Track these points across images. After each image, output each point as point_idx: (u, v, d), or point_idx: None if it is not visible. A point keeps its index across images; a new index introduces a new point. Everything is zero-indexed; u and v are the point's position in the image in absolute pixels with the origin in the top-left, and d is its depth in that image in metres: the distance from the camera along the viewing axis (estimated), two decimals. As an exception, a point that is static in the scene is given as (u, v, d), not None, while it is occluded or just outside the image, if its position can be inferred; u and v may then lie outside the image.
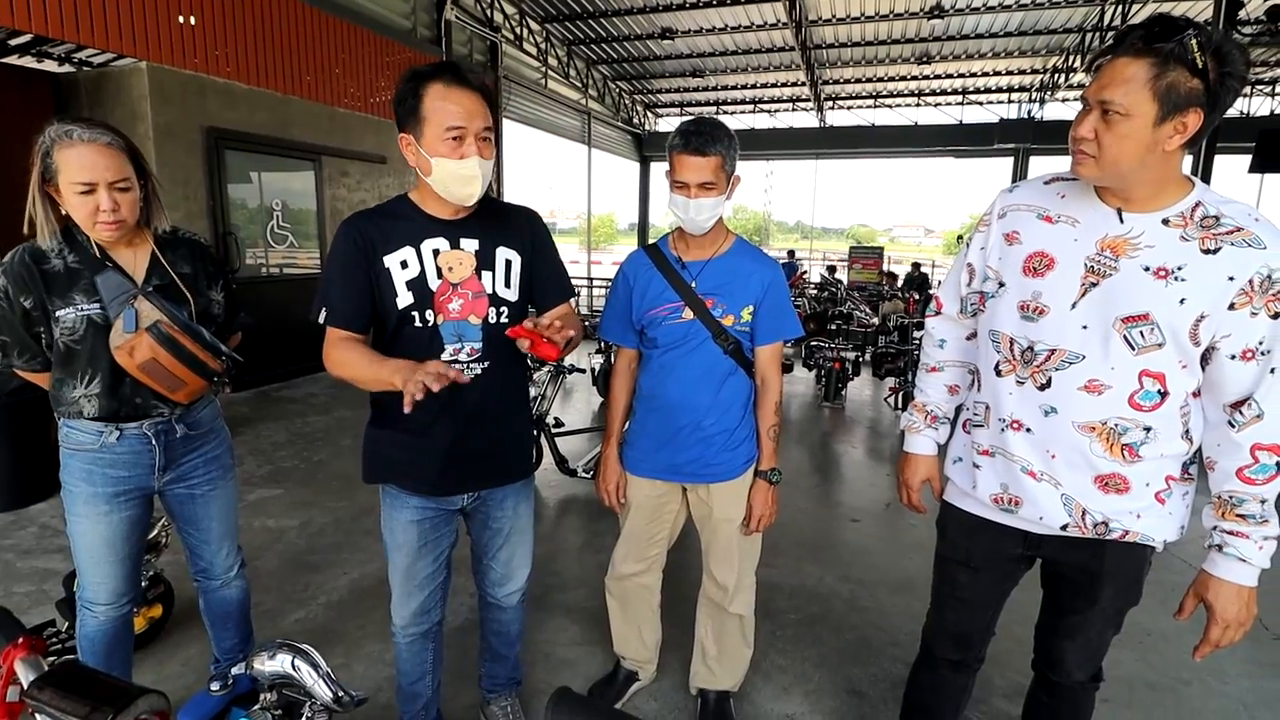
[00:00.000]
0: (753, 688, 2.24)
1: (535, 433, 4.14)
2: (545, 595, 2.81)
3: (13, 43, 5.96)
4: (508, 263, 1.60)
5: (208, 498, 1.85)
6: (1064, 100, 15.26)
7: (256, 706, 1.25)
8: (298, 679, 1.24)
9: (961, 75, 15.24)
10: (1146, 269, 1.17)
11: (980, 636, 1.58)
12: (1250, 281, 1.12)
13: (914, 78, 15.45)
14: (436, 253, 1.53)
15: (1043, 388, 1.28)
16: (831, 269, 14.96)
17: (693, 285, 1.81)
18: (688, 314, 1.80)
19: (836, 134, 17.79)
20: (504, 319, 1.59)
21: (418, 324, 1.52)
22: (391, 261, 1.51)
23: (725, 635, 2.05)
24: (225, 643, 2.03)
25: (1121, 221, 1.21)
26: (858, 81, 15.96)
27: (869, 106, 17.60)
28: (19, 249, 1.58)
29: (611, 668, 2.24)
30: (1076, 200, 1.27)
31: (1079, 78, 13.30)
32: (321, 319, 1.53)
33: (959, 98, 16.48)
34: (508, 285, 1.60)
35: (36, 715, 0.72)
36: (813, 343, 6.64)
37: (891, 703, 2.21)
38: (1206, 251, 1.14)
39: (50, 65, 6.42)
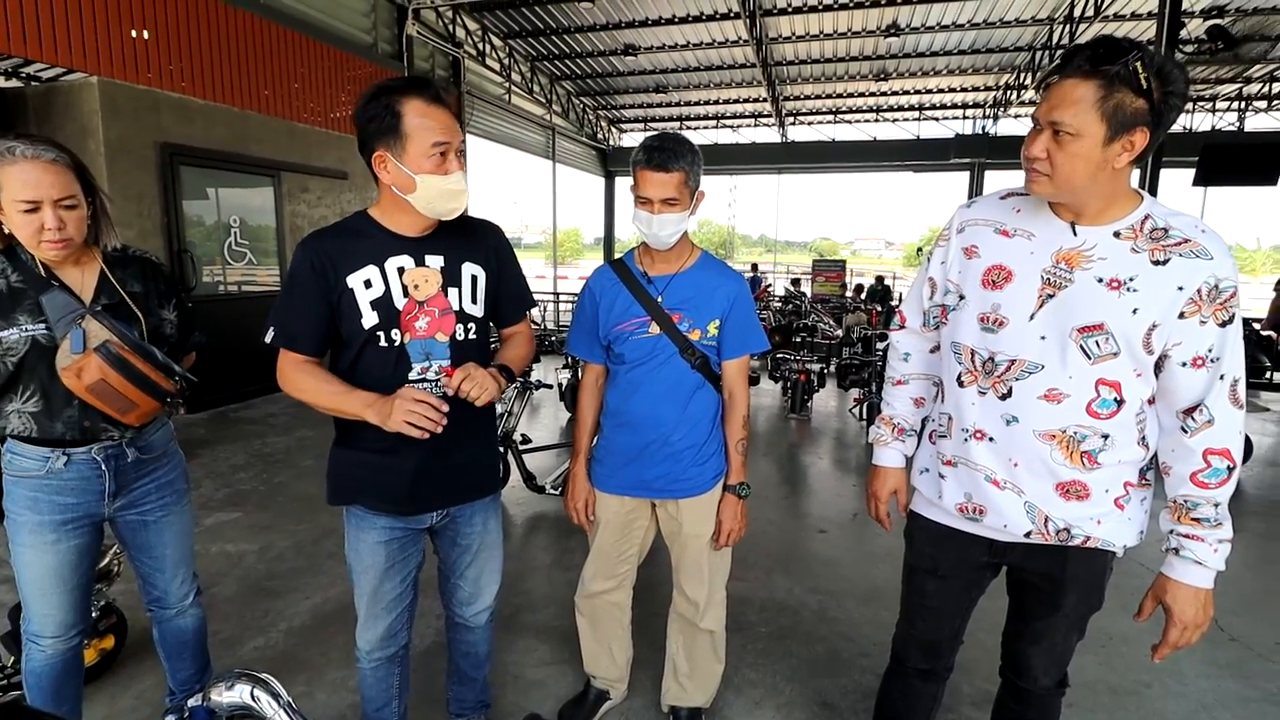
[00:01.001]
0: (725, 703, 2.23)
1: (502, 449, 4.11)
2: (514, 615, 2.77)
3: (-46, 55, 5.75)
4: (474, 278, 1.59)
5: (161, 524, 1.79)
6: (1016, 116, 15.82)
7: None
8: (257, 710, 1.21)
9: (918, 92, 15.72)
10: (1100, 280, 1.22)
11: (949, 645, 1.61)
12: (1199, 291, 1.16)
13: (872, 94, 15.88)
14: (401, 270, 1.51)
15: (1004, 397, 1.31)
16: (796, 282, 15.19)
17: (659, 300, 1.81)
18: (654, 329, 1.80)
19: (798, 149, 18.13)
20: (471, 335, 1.58)
21: (383, 344, 1.50)
22: (355, 281, 1.48)
23: (696, 651, 2.04)
24: (181, 674, 1.96)
25: (1075, 234, 1.25)
26: (818, 98, 16.33)
27: (829, 122, 18.01)
28: None
29: (582, 687, 2.21)
30: (1031, 215, 1.32)
31: (1030, 94, 13.81)
32: (269, 339, 1.51)
33: (916, 114, 16.99)
34: (474, 301, 1.59)
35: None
36: (778, 355, 6.72)
37: (862, 714, 2.22)
38: (1156, 263, 1.19)
39: (-5, 79, 6.22)
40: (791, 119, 17.93)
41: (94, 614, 2.22)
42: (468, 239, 1.61)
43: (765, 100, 16.15)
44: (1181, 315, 1.18)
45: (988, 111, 16.28)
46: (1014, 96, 14.57)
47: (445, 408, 1.39)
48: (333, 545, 3.35)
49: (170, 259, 5.67)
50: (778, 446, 5.58)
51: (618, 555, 2.01)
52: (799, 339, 7.85)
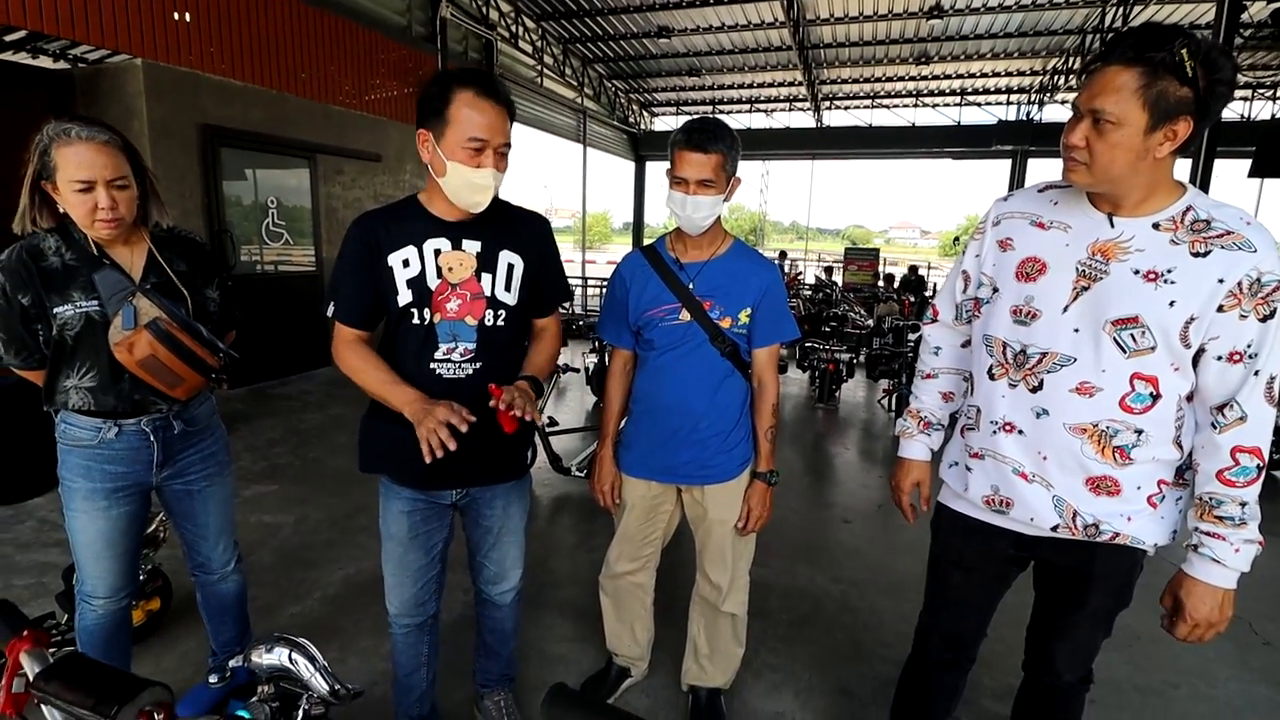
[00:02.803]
0: (744, 685, 2.26)
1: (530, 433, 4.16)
2: (539, 593, 2.83)
3: (7, 39, 5.93)
4: (510, 266, 1.62)
5: (205, 494, 1.87)
6: (1063, 102, 15.26)
7: (254, 698, 1.27)
8: (295, 672, 1.27)
9: (960, 76, 15.29)
10: (1136, 272, 1.19)
11: (972, 637, 1.61)
12: (1239, 284, 1.13)
13: (912, 78, 15.49)
14: (438, 252, 1.55)
15: (1034, 390, 1.30)
16: (828, 270, 15.00)
17: (690, 287, 1.82)
18: (685, 315, 1.81)
19: (833, 134, 17.80)
20: (500, 322, 1.61)
21: (415, 321, 1.55)
22: (394, 260, 1.54)
23: (718, 634, 2.07)
24: (222, 636, 2.05)
25: (1112, 226, 1.23)
26: (855, 82, 15.98)
27: (866, 107, 17.62)
28: (16, 246, 1.59)
29: (604, 664, 2.26)
30: (1069, 206, 1.30)
31: (1078, 80, 13.34)
32: (330, 312, 1.58)
33: (957, 99, 16.52)
34: (508, 289, 1.62)
35: (42, 706, 0.74)
36: (807, 344, 6.67)
37: (881, 702, 2.23)
38: (1196, 255, 1.16)
39: (45, 62, 6.39)
40: (827, 104, 17.59)
41: (141, 577, 2.33)
42: (510, 227, 1.64)
43: (801, 84, 15.87)
44: (1220, 309, 1.15)
45: (1033, 97, 15.76)
46: (1061, 82, 14.09)
47: (464, 429, 1.38)
48: (365, 519, 3.45)
49: (211, 239, 5.81)
50: (804, 436, 5.56)
51: (642, 538, 2.04)
52: (828, 328, 7.76)
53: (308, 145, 6.76)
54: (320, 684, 1.27)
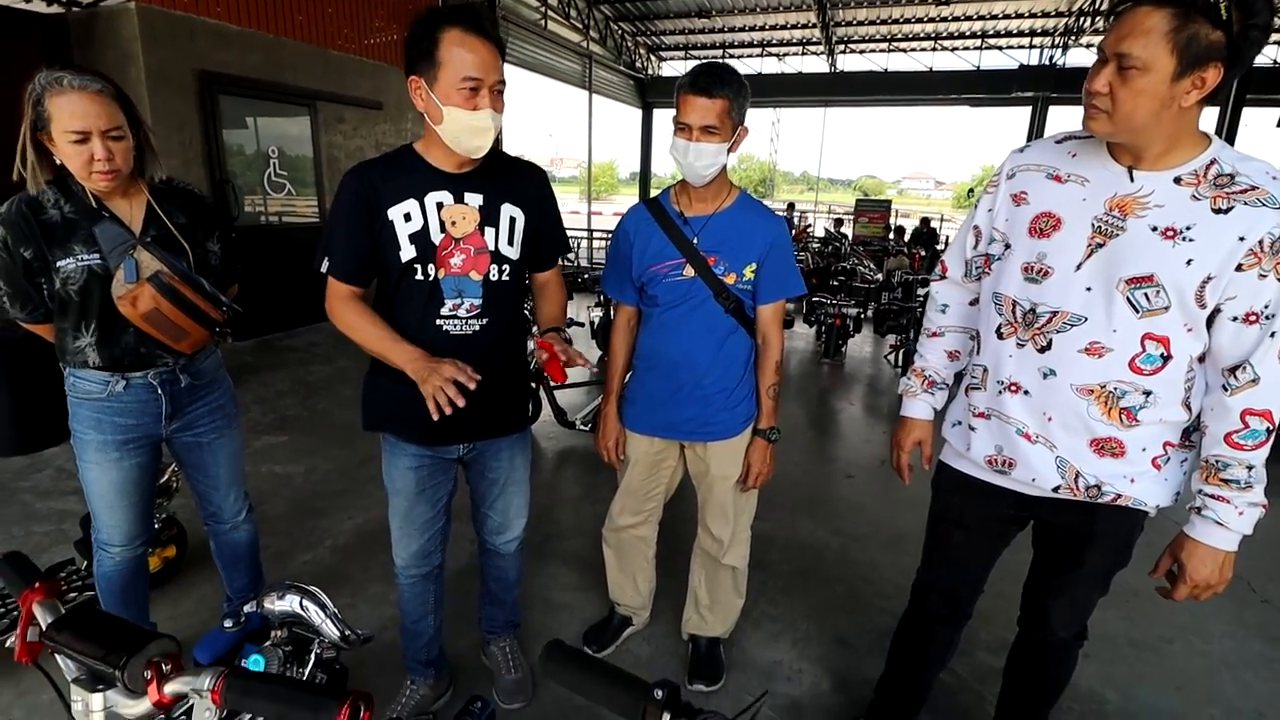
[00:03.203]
0: (742, 634, 2.32)
1: (535, 386, 4.19)
2: (544, 543, 2.89)
3: (-2, -22, 5.76)
4: (512, 220, 1.59)
5: (214, 445, 1.90)
6: (1088, 46, 14.72)
7: (268, 643, 1.32)
8: (306, 618, 1.31)
9: (981, 17, 14.71)
10: (1154, 229, 1.15)
11: (969, 593, 1.63)
12: (1260, 242, 1.09)
13: (931, 19, 14.92)
14: (440, 206, 1.52)
15: (1043, 350, 1.28)
16: (838, 222, 14.77)
17: (694, 242, 1.79)
18: (689, 271, 1.79)
19: (847, 80, 17.27)
20: (505, 276, 1.60)
21: (419, 277, 1.53)
22: (395, 214, 1.50)
23: (718, 586, 2.11)
24: (236, 582, 2.11)
25: (1132, 180, 1.18)
26: (872, 24, 15.42)
27: (883, 51, 17.03)
28: (15, 199, 1.57)
29: (606, 613, 2.33)
30: (1088, 159, 1.25)
31: (1104, 22, 12.82)
32: (324, 268, 1.55)
33: (977, 41, 15.95)
34: (510, 243, 1.60)
35: (56, 655, 0.77)
36: (814, 298, 6.61)
37: (877, 653, 2.29)
38: (1217, 211, 1.11)
39: (38, 5, 6.21)
40: (842, 47, 17.01)
41: (156, 525, 2.39)
42: (510, 179, 1.61)
43: (814, 26, 15.33)
44: (1239, 268, 1.11)
45: (1057, 40, 15.17)
46: (1087, 24, 13.55)
47: (472, 386, 1.39)
48: (373, 469, 3.49)
49: (212, 189, 5.75)
50: (809, 391, 5.57)
51: (645, 493, 2.06)
52: (836, 282, 7.69)
53: (308, 92, 6.61)
54: (330, 629, 1.31)
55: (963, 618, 1.67)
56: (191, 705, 0.70)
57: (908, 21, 15.11)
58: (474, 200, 1.55)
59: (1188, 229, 1.13)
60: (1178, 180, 1.15)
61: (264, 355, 5.74)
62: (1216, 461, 1.21)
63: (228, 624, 1.83)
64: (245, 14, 5.96)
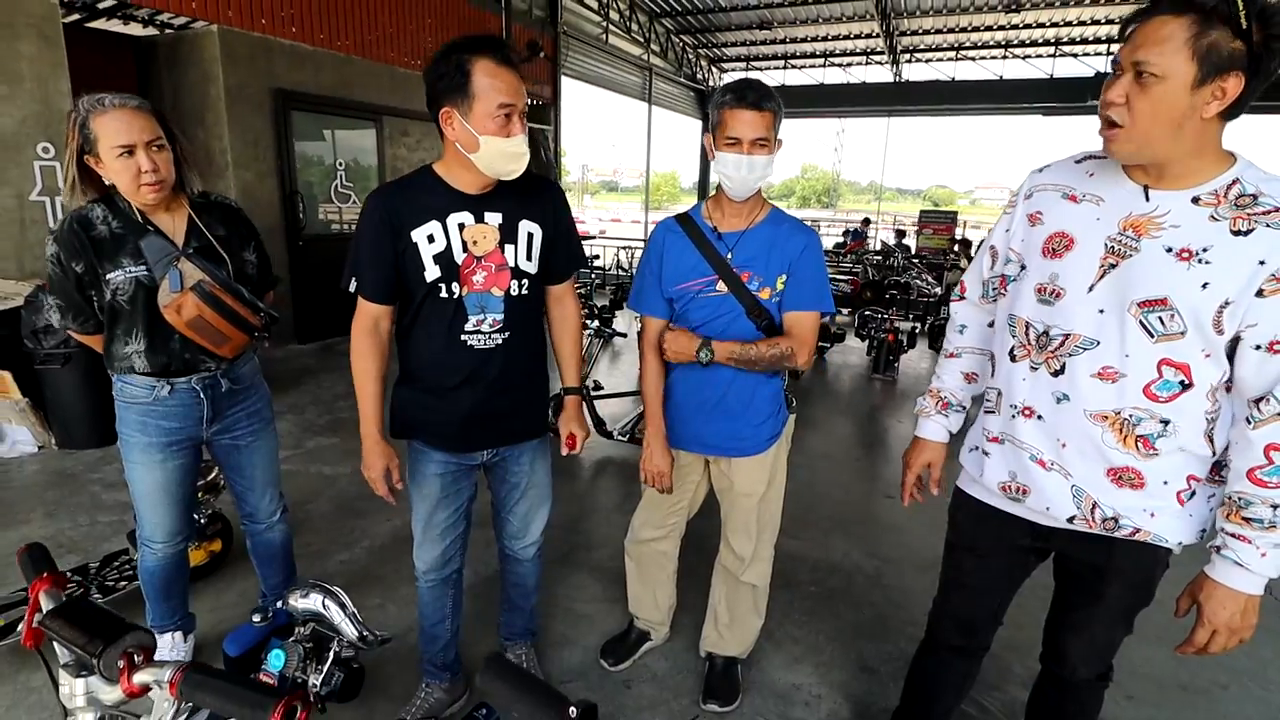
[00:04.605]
0: (763, 655, 2.28)
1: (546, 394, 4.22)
2: (571, 553, 2.91)
3: (100, 6, 6.27)
4: (529, 236, 1.64)
5: (251, 448, 2.00)
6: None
7: (291, 639, 1.38)
8: (327, 617, 1.37)
9: (1054, 25, 14.13)
10: (1169, 250, 1.11)
11: (985, 623, 1.57)
12: None
13: (1001, 27, 14.43)
14: (462, 226, 1.58)
15: (1056, 374, 1.24)
16: (900, 233, 14.39)
17: (728, 257, 1.78)
18: (721, 288, 1.77)
19: (913, 89, 16.85)
20: (525, 290, 1.65)
21: (443, 295, 1.59)
22: (419, 236, 1.56)
23: (738, 603, 2.09)
24: (271, 580, 2.21)
25: (1148, 199, 1.14)
26: (938, 32, 15.02)
27: (950, 59, 16.57)
28: (67, 217, 1.69)
29: (626, 626, 2.32)
30: (1104, 178, 1.21)
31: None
32: (352, 288, 1.62)
33: (1050, 49, 15.31)
34: (529, 258, 1.65)
35: (53, 641, 0.83)
36: (866, 312, 6.45)
37: (901, 681, 2.21)
38: (1237, 233, 1.06)
39: (135, 28, 6.73)
40: (907, 56, 16.63)
41: (203, 520, 2.53)
42: (527, 197, 1.65)
43: (878, 36, 15.05)
44: (1260, 293, 1.06)
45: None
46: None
47: (393, 503, 1.78)
48: (414, 474, 3.60)
49: (282, 200, 6.08)
50: (859, 407, 5.43)
51: (668, 507, 2.06)
52: (889, 296, 7.48)
53: (374, 107, 6.92)
54: (349, 629, 1.36)
55: (979, 649, 1.60)
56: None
57: (975, 30, 14.65)
58: (494, 219, 1.60)
59: (1204, 251, 1.08)
60: (1196, 200, 1.11)
61: (324, 358, 6.00)
62: (1239, 499, 1.14)
63: (256, 619, 1.92)
64: (318, 34, 6.30)
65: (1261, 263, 1.05)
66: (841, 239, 15.41)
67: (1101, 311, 1.18)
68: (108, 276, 1.69)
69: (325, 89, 6.38)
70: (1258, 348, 1.09)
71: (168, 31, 6.11)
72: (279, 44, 5.95)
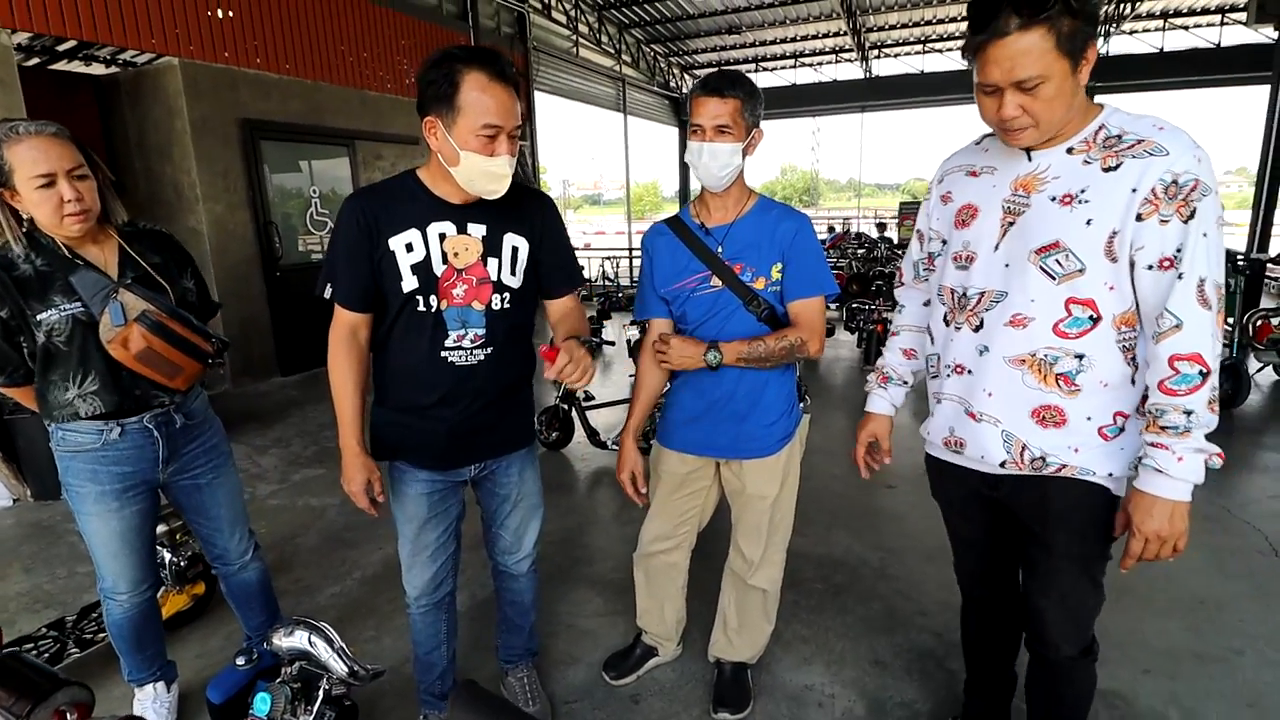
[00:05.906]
0: (773, 658, 2.21)
1: (566, 406, 4.16)
2: (572, 567, 2.83)
3: (60, 49, 6.19)
4: (514, 249, 1.57)
5: (213, 486, 1.88)
6: (1131, 33, 14.13)
7: (278, 680, 1.30)
8: (314, 654, 1.28)
9: (1017, 11, 14.27)
10: (1054, 199, 1.23)
11: (997, 575, 1.62)
12: (1153, 190, 1.13)
13: (965, 18, 14.53)
14: (443, 237, 1.50)
15: (977, 329, 1.34)
16: (881, 226, 14.44)
17: (719, 251, 1.73)
18: (716, 282, 1.73)
19: (883, 84, 16.98)
20: (507, 305, 1.58)
21: (420, 308, 1.52)
22: (396, 244, 1.49)
23: (747, 608, 2.02)
24: (252, 621, 2.11)
25: (1030, 160, 1.27)
26: (904, 27, 15.16)
27: (918, 53, 16.71)
28: None
29: (632, 640, 2.24)
30: (996, 151, 1.35)
31: (1147, 5, 12.28)
32: (327, 294, 1.54)
33: (1015, 36, 15.46)
34: (513, 273, 1.58)
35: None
36: (854, 304, 6.44)
37: (916, 674, 2.15)
38: (1108, 169, 1.17)
39: (98, 69, 6.64)
40: (875, 52, 16.76)
41: (183, 564, 2.43)
42: (514, 209, 1.58)
43: (845, 34, 15.16)
44: (1139, 217, 1.15)
45: (1099, 29, 14.59)
46: (1127, 10, 13.00)
47: (374, 514, 1.69)
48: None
49: (257, 232, 5.99)
50: (851, 399, 5.39)
51: (678, 515, 1.98)
52: (874, 287, 7.46)
53: (346, 132, 6.85)
54: (338, 665, 1.28)
55: (1005, 598, 1.64)
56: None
57: (940, 22, 14.79)
58: (477, 231, 1.53)
59: (1082, 192, 1.19)
60: (1070, 151, 1.23)
61: (308, 389, 5.90)
62: (1154, 409, 1.20)
63: (239, 661, 1.84)
64: (283, 63, 6.24)
65: (1134, 190, 1.14)
66: (826, 234, 15.47)
67: (1007, 265, 1.28)
68: (39, 318, 1.55)
69: (294, 116, 6.31)
70: (1150, 267, 1.17)
71: (129, 69, 6.02)
72: (244, 74, 5.88)
